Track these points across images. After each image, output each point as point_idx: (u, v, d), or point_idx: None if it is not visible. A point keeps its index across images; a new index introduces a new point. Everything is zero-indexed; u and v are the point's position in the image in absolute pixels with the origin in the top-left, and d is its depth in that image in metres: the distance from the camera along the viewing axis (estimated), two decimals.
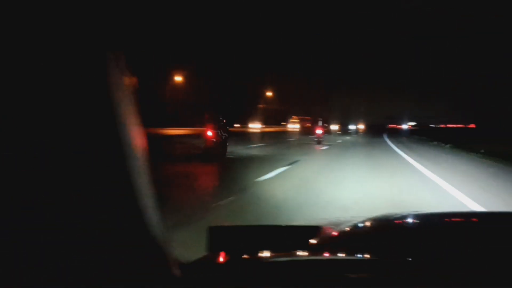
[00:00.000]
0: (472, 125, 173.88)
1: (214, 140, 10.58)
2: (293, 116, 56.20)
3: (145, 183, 0.70)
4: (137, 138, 0.69)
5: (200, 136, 12.13)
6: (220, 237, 0.91)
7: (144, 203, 0.67)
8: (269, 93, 61.51)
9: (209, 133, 10.58)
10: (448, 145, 22.61)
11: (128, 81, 0.71)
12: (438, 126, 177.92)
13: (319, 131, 20.79)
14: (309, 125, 64.57)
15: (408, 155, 13.84)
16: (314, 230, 1.00)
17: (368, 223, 1.44)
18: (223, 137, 11.02)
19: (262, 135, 31.45)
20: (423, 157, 13.51)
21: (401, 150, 16.99)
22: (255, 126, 47.37)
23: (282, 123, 57.06)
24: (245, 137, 23.03)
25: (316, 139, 20.53)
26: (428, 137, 35.02)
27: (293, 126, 54.55)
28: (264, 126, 53.00)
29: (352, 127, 58.32)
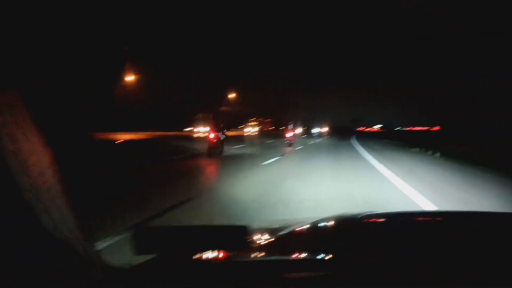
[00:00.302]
0: (437, 128, 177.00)
1: (215, 141, 13.13)
2: (250, 119, 50.27)
3: (51, 196, 0.74)
4: (32, 157, 0.71)
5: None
6: (147, 239, 0.86)
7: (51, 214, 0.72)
8: (232, 95, 56.65)
9: (211, 135, 13.25)
10: (437, 154, 17.13)
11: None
12: (403, 128, 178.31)
13: (289, 134, 21.77)
14: (271, 128, 59.42)
15: (401, 177, 7.92)
16: (246, 230, 0.93)
17: (314, 225, 1.43)
18: (222, 138, 13.67)
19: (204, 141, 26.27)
20: (432, 187, 7.53)
21: (385, 165, 10.97)
22: (199, 130, 41.22)
23: (240, 126, 51.06)
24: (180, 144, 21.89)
25: (287, 142, 21.40)
26: (402, 142, 29.99)
27: (251, 129, 48.87)
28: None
29: (315, 130, 53.96)
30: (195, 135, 37.57)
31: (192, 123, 40.65)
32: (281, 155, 15.37)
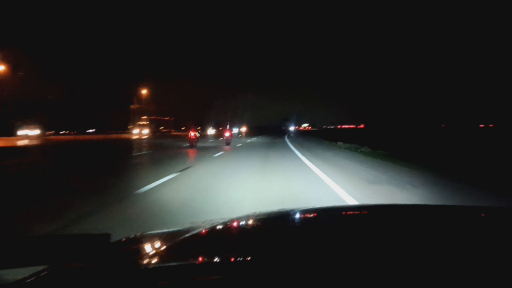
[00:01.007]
0: (362, 126, 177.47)
1: (193, 138, 20.13)
2: (142, 117, 35.65)
3: None
4: None
5: None
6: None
7: None
8: (144, 92, 44.37)
9: (192, 134, 20.22)
10: None
11: None
12: (328, 127, 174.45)
13: (227, 134, 23.74)
14: (170, 130, 45.16)
15: None
16: (109, 238, 0.89)
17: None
18: (197, 136, 20.88)
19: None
20: None
21: None
22: (25, 133, 26.52)
23: (130, 127, 36.45)
24: None
25: (224, 141, 23.69)
26: (359, 144, 18.04)
27: (141, 131, 34.64)
28: (47, 132, 32.64)
29: (235, 130, 43.64)
30: (19, 142, 23.27)
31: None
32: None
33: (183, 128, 48.89)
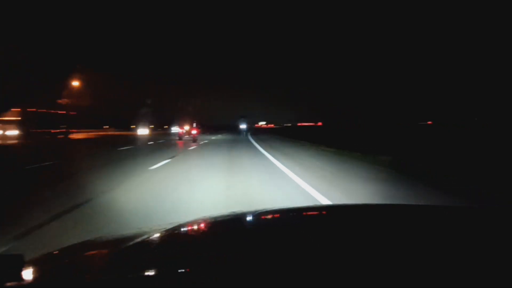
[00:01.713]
0: (320, 123, 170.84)
1: (182, 133, 27.08)
2: (12, 110, 22.61)
3: None
4: None
5: None
6: None
7: None
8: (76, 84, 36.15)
9: (180, 130, 27.70)
10: None
11: None
12: (286, 125, 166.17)
13: (194, 132, 26.15)
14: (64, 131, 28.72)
15: None
16: (22, 260, 0.82)
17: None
18: (185, 132, 27.21)
19: None
20: None
21: None
22: None
23: None
24: None
25: (191, 138, 25.35)
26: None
27: (4, 132, 21.88)
28: None
29: (174, 130, 40.19)
30: None
31: None
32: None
33: (165, 127, 47.24)
